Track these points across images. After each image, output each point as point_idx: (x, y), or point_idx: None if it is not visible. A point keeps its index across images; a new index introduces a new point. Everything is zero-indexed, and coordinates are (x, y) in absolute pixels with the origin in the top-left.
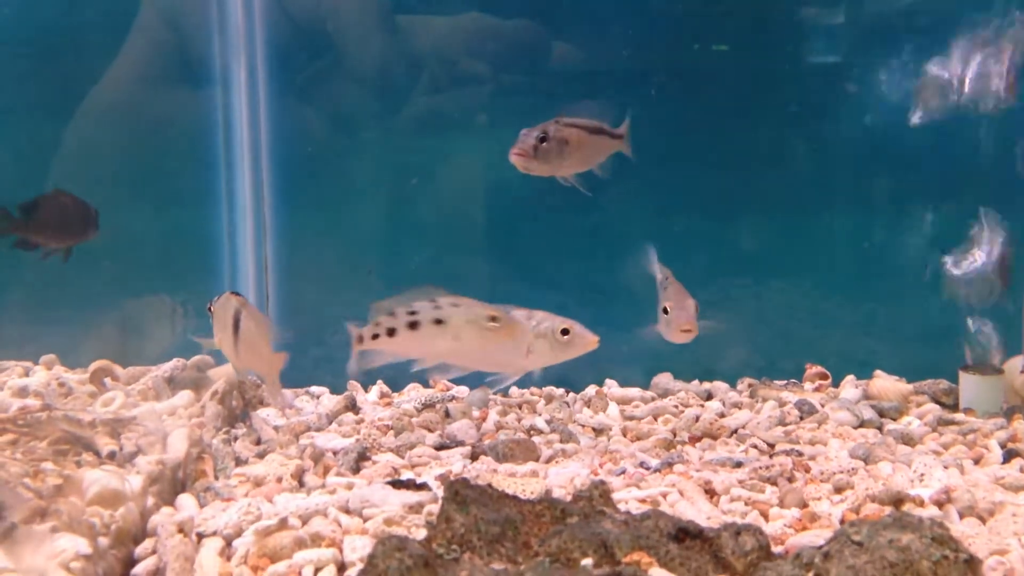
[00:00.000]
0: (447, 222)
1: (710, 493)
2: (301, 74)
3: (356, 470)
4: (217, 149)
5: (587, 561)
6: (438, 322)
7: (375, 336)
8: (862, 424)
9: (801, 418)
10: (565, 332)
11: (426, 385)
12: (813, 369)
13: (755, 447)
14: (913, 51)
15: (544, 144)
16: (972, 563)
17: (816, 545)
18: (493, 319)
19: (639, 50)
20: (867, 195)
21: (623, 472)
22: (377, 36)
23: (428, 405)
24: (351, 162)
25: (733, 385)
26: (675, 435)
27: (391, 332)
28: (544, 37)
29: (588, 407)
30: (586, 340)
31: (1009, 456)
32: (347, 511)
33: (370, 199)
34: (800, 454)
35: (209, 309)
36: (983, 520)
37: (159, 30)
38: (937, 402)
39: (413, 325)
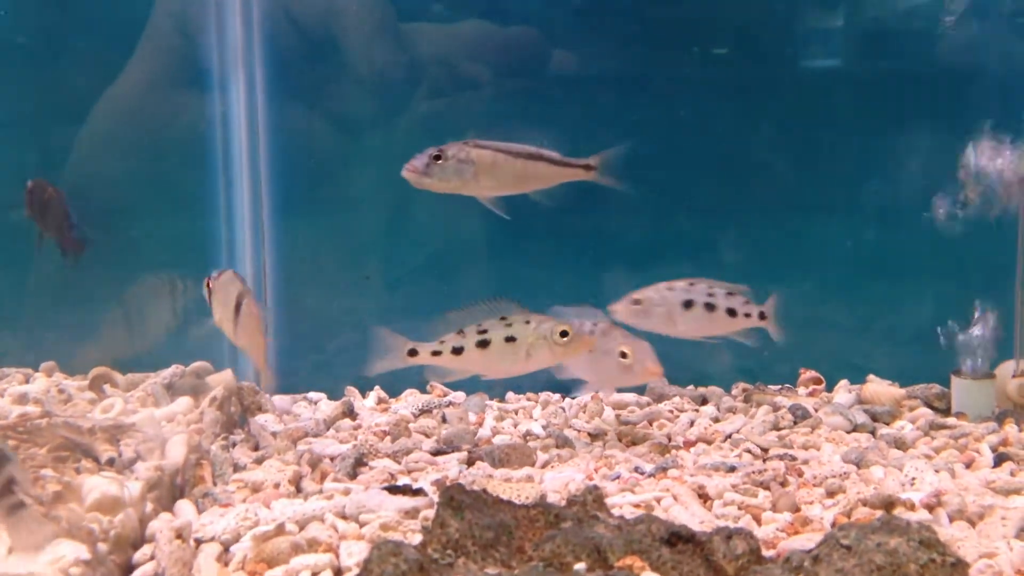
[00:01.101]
0: (445, 227)
1: (704, 497)
2: (299, 80)
3: (353, 476)
4: (215, 155)
5: (580, 565)
6: (509, 340)
7: (436, 353)
8: (855, 428)
9: (795, 423)
10: (564, 334)
11: (423, 391)
12: (807, 374)
13: (749, 452)
14: (909, 55)
15: (439, 162)
16: (959, 566)
17: (806, 549)
18: (564, 334)
19: (638, 55)
20: (862, 199)
21: (618, 477)
22: (376, 42)
23: (425, 411)
24: (349, 168)
25: (727, 390)
26: (670, 440)
27: (457, 351)
28: (543, 43)
29: (584, 412)
30: (583, 341)
31: (1000, 460)
32: (344, 516)
33: (368, 205)
34: (793, 458)
35: (207, 285)
36: (973, 523)
37: (158, 37)
38: (929, 406)
39: (483, 344)
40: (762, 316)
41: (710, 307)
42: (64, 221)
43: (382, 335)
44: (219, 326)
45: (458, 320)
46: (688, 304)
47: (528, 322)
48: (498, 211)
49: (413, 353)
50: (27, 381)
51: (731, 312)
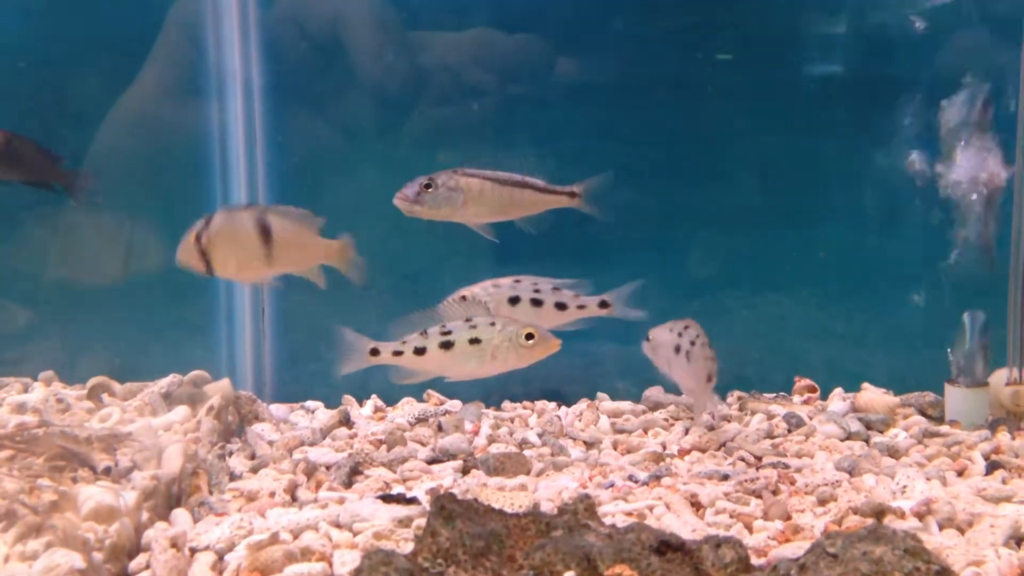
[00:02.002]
0: (443, 232)
1: (696, 506)
2: (297, 88)
3: (348, 484)
4: (213, 161)
5: (570, 574)
6: (474, 342)
7: (397, 353)
8: (849, 436)
9: (789, 431)
10: (529, 337)
11: (420, 399)
12: (802, 382)
13: (743, 460)
14: (909, 63)
15: (429, 190)
16: (945, 574)
17: (794, 557)
18: (529, 336)
19: (641, 62)
20: (858, 208)
21: (612, 485)
22: (375, 51)
23: (421, 419)
24: (347, 176)
25: (723, 398)
26: (665, 448)
27: (420, 351)
28: (549, 51)
29: (580, 420)
30: (548, 344)
31: (992, 468)
32: (338, 525)
33: (366, 213)
34: (786, 466)
35: (195, 240)
36: (962, 531)
37: (156, 46)
38: (923, 414)
39: (446, 345)
40: (603, 305)
41: (536, 302)
42: (51, 163)
43: (345, 335)
44: (237, 279)
45: (422, 321)
46: (514, 300)
47: (493, 324)
48: (488, 235)
49: (375, 353)
50: (26, 390)
51: (561, 306)
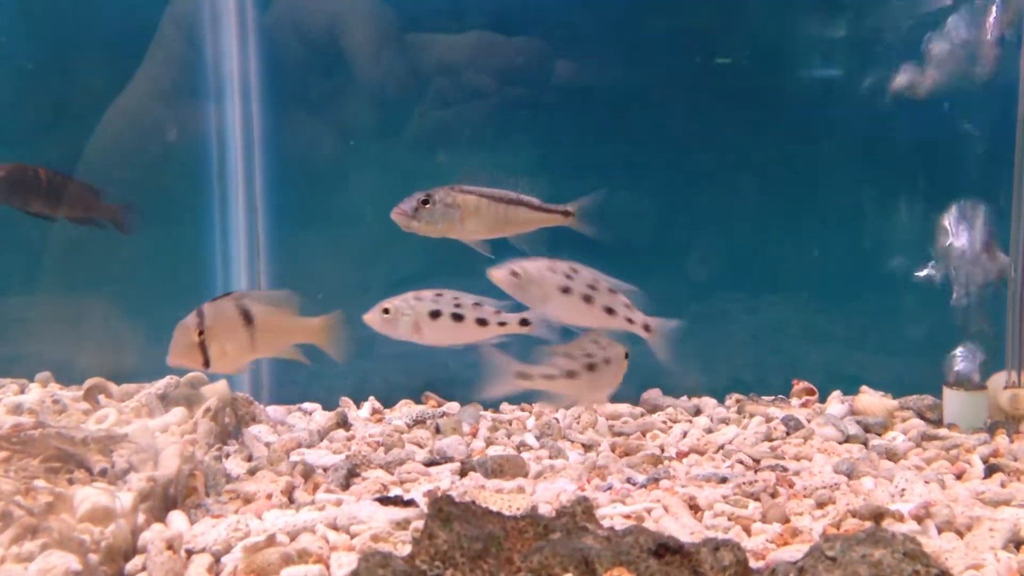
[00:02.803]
0: (443, 239)
1: (695, 508)
2: (295, 91)
3: (346, 487)
4: (210, 166)
5: None
6: (607, 362)
7: (548, 377)
8: (847, 439)
9: (787, 434)
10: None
11: (418, 401)
12: (800, 385)
13: (741, 463)
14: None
15: (427, 206)
16: None
17: (793, 560)
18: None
19: (641, 65)
20: (858, 210)
21: (610, 488)
22: (373, 54)
23: (419, 421)
24: (345, 179)
25: (721, 401)
26: (663, 451)
27: (571, 375)
28: (547, 54)
29: (578, 423)
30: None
31: (990, 471)
32: (335, 527)
33: (364, 216)
34: (785, 469)
35: (199, 334)
36: (961, 535)
37: (154, 49)
38: (922, 417)
39: (592, 367)
40: (524, 323)
41: (457, 317)
42: (94, 198)
43: (492, 357)
44: (224, 370)
45: (562, 349)
46: (435, 314)
47: (614, 345)
48: (483, 251)
49: (524, 376)
50: (22, 391)
51: (482, 322)
